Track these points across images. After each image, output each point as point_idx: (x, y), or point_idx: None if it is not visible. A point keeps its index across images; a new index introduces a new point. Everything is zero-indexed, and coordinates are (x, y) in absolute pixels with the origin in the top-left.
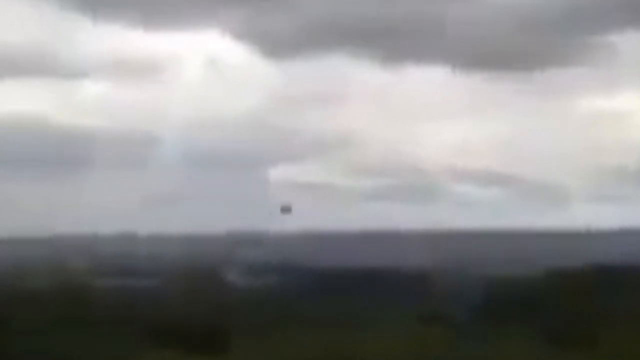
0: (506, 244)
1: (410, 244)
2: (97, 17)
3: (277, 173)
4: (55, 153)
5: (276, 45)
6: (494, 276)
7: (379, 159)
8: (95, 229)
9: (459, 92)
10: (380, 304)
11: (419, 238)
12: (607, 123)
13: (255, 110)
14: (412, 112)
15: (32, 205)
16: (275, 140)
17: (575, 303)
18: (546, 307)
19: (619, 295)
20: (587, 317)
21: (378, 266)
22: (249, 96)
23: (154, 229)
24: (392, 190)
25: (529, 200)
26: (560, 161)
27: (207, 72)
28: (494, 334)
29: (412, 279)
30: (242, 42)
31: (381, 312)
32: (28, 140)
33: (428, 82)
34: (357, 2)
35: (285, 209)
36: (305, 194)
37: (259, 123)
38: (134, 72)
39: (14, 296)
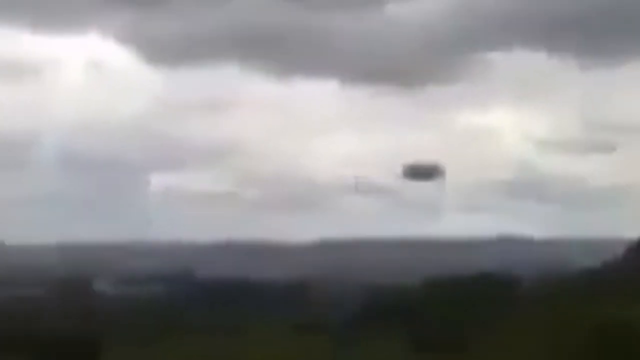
0: (388, 253)
1: (295, 253)
2: None
3: (159, 180)
4: None
5: (162, 51)
6: (374, 285)
7: (266, 169)
8: None
9: (347, 105)
10: (260, 313)
11: (304, 248)
12: (482, 137)
13: (138, 116)
14: (301, 124)
15: None
16: (158, 147)
17: (450, 310)
18: (421, 314)
19: (493, 303)
20: (460, 324)
21: (259, 276)
22: (132, 101)
23: (24, 236)
24: (278, 200)
25: (410, 210)
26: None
27: (89, 76)
28: (368, 341)
29: (292, 288)
30: (127, 47)
31: (261, 321)
32: None
33: (317, 94)
34: (249, 13)
35: None
36: (189, 203)
37: (141, 129)
38: (16, 74)
39: None
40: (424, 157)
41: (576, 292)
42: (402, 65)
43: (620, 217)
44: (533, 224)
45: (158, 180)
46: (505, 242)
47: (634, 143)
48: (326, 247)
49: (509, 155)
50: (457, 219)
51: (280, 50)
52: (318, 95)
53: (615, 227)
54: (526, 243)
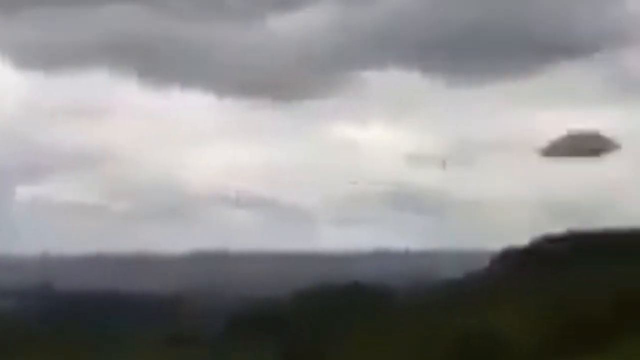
0: (263, 265)
1: (168, 265)
2: None
3: (25, 190)
4: None
5: (31, 57)
6: (247, 297)
7: (138, 179)
8: None
9: (224, 117)
10: (131, 326)
11: (177, 260)
12: (357, 151)
13: (3, 122)
14: (176, 135)
15: None
16: (24, 155)
17: (320, 321)
18: (292, 326)
19: (364, 313)
20: (330, 334)
21: (130, 289)
22: None
23: None
24: (151, 211)
25: (285, 223)
26: (313, 186)
27: None
28: (240, 353)
29: (165, 300)
30: None
31: (131, 335)
32: None
33: (194, 106)
34: (122, 21)
35: None
36: (56, 214)
37: (7, 136)
38: None
39: None
40: (300, 169)
41: (443, 303)
42: (280, 79)
43: (484, 229)
44: (407, 236)
45: (24, 190)
46: (380, 255)
47: (496, 158)
48: (199, 259)
49: (383, 169)
50: (333, 232)
51: (156, 60)
52: (194, 106)
53: (481, 239)
54: (400, 255)
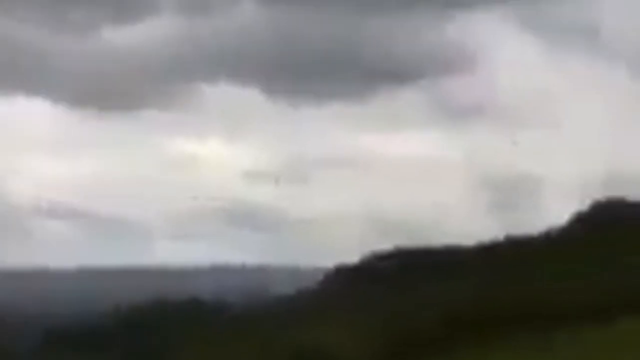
0: (91, 280)
1: None
2: None
3: None
4: None
5: None
6: (69, 313)
7: None
8: None
9: (58, 126)
10: None
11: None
12: (195, 166)
13: None
14: (6, 143)
15: None
16: None
17: (151, 336)
18: (119, 340)
19: (198, 328)
20: (161, 349)
21: None
22: None
23: None
24: None
25: (121, 237)
26: (149, 200)
27: None
28: None
29: None
30: None
31: None
32: None
33: (25, 114)
34: None
35: None
36: None
37: None
38: None
39: None
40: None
41: (277, 318)
42: (115, 89)
43: (317, 245)
44: (243, 251)
45: None
46: (217, 270)
47: (329, 176)
48: (20, 274)
49: (220, 185)
50: (171, 246)
51: None
52: (26, 115)
53: (314, 256)
54: (237, 270)
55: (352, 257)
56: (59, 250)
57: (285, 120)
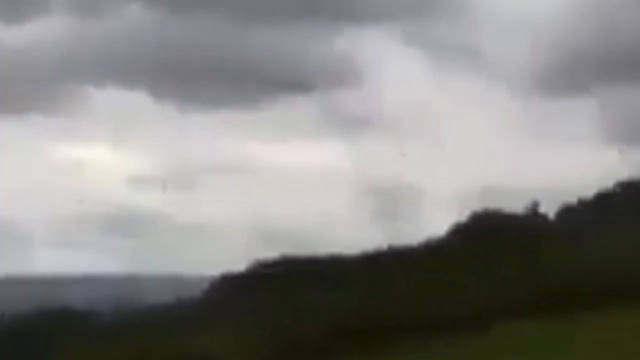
0: None
1: None
2: None
3: None
4: None
5: None
6: None
7: None
8: None
9: None
10: None
11: None
12: (79, 171)
13: None
14: None
15: None
16: None
17: (23, 347)
18: None
19: (69, 338)
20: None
21: None
22: None
23: None
24: None
25: None
26: (33, 206)
27: None
28: None
29: None
30: None
31: None
32: None
33: None
34: None
35: None
36: None
37: None
38: None
39: None
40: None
41: (158, 326)
42: (1, 93)
43: (204, 253)
44: (126, 259)
45: None
46: (98, 278)
47: (217, 183)
48: None
49: (105, 190)
50: (50, 254)
51: None
52: None
53: (200, 264)
54: (119, 278)
55: (239, 265)
56: None
57: (173, 126)
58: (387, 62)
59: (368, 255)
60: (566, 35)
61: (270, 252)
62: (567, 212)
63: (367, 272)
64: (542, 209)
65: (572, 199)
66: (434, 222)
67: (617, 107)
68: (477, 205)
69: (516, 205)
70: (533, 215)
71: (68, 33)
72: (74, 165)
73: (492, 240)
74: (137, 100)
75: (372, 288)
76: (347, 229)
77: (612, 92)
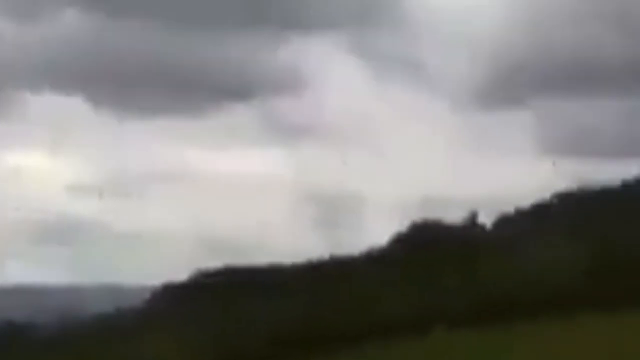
0: None
1: None
2: None
3: None
4: None
5: None
6: None
7: None
8: None
9: None
10: None
11: None
12: (18, 178)
13: None
14: None
15: None
16: None
17: None
18: None
19: (11, 352)
20: None
21: None
22: None
23: None
24: None
25: None
26: None
27: None
28: None
29: None
30: None
31: None
32: None
33: None
34: None
35: None
36: None
37: None
38: None
39: None
40: None
41: (98, 336)
42: None
43: (145, 263)
44: (64, 269)
45: None
46: (36, 289)
47: (158, 192)
48: None
49: (42, 199)
50: None
51: None
52: None
53: (141, 273)
54: (57, 289)
55: (180, 274)
56: None
57: (112, 133)
58: (331, 71)
59: (310, 265)
60: (503, 49)
61: (212, 262)
62: (505, 222)
63: (309, 281)
64: (480, 219)
65: (510, 209)
66: (375, 231)
67: (552, 119)
68: (417, 215)
69: (455, 216)
70: (472, 226)
71: (4, 38)
72: (10, 172)
73: (432, 250)
74: (74, 106)
75: (313, 297)
76: (288, 238)
77: (548, 105)
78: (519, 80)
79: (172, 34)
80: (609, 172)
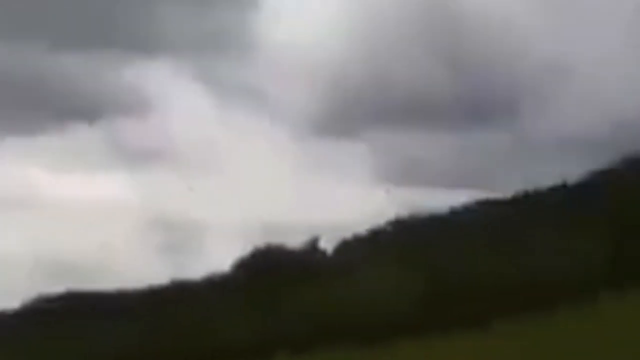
0: None
1: None
2: None
3: None
4: None
5: None
6: None
7: None
8: None
9: None
10: None
11: None
12: None
13: None
14: None
15: None
16: None
17: None
18: None
19: None
20: None
21: None
22: None
23: None
24: None
25: None
26: None
27: None
28: None
29: None
30: None
31: None
32: None
33: None
34: None
35: None
36: None
37: None
38: None
39: None
40: None
41: None
42: None
43: None
44: None
45: None
46: None
47: None
48: None
49: None
50: None
51: None
52: None
53: None
54: None
55: (17, 301)
56: None
57: None
58: (176, 96)
59: (151, 290)
60: (341, 82)
61: (54, 287)
62: (345, 248)
63: (150, 306)
64: (321, 245)
65: (349, 234)
66: (218, 256)
67: (386, 149)
68: (260, 240)
69: (297, 241)
70: (313, 251)
71: None
72: None
73: (274, 276)
74: None
75: (155, 322)
76: (132, 263)
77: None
78: (356, 112)
79: (13, 50)
80: (439, 201)
